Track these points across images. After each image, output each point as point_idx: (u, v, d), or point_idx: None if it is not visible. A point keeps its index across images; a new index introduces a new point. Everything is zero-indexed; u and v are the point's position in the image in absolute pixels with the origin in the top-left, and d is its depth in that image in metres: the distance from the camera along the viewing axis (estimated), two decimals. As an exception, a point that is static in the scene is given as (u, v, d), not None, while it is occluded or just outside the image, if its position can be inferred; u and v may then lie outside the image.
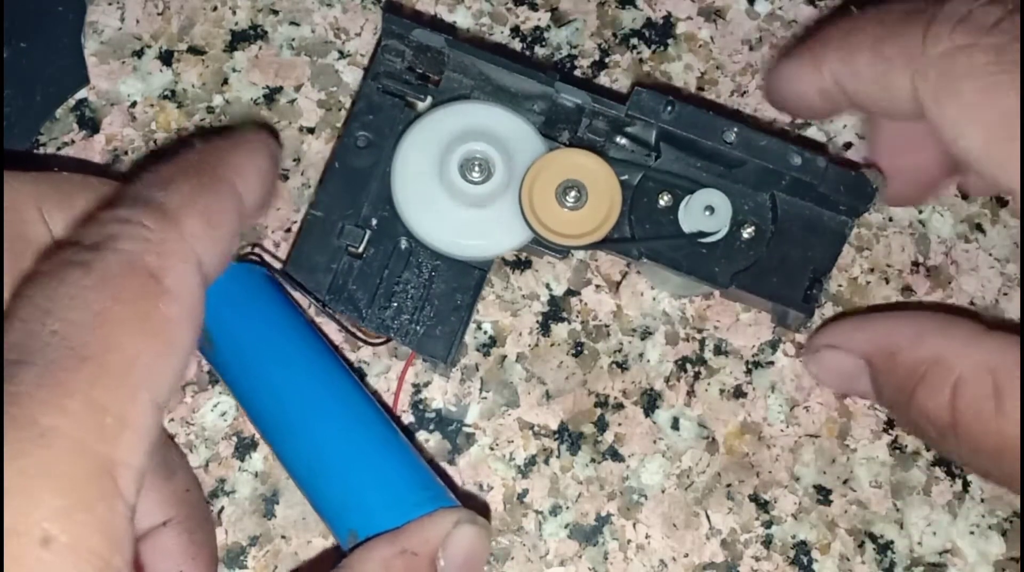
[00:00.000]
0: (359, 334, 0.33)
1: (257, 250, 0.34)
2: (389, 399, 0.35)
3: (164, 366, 0.22)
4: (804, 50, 0.33)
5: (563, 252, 0.32)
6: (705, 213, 0.32)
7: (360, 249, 0.32)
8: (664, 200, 0.32)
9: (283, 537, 0.33)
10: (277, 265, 0.34)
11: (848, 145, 0.37)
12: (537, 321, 0.35)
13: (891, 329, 0.32)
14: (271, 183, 0.27)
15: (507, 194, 0.32)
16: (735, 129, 0.31)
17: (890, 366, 0.31)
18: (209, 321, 0.30)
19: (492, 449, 0.34)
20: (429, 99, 0.33)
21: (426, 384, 0.35)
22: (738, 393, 0.35)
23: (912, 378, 0.30)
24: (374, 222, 0.32)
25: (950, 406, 0.29)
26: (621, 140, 0.33)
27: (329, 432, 0.29)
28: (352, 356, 0.35)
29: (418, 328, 0.32)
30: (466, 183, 0.31)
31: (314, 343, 0.31)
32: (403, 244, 0.32)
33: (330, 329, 0.35)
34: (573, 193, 0.31)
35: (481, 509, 0.34)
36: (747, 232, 0.32)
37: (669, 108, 0.31)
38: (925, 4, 0.29)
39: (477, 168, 0.31)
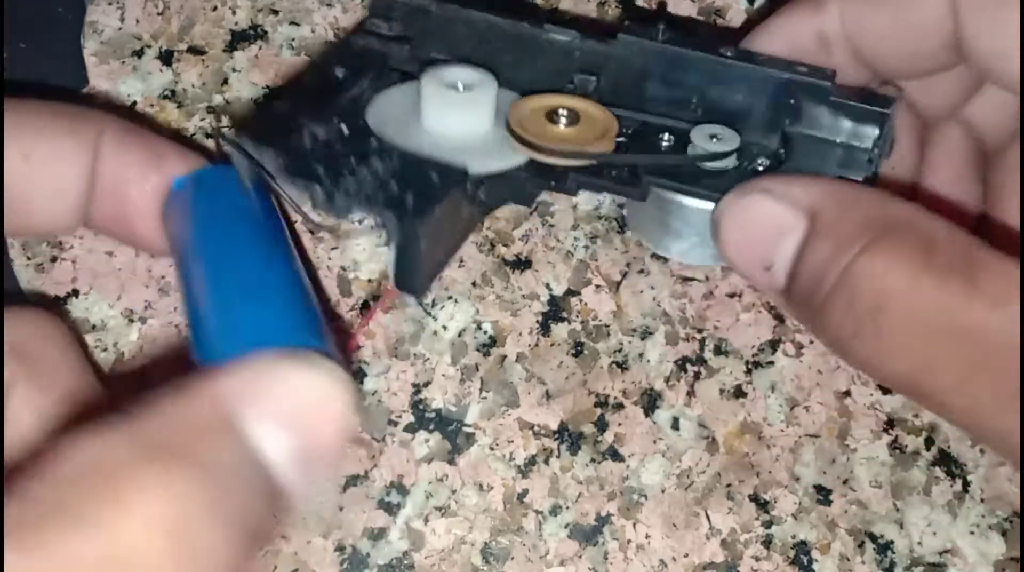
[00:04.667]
0: (313, 217, 0.30)
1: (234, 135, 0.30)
2: (389, 400, 0.35)
3: None
4: None
5: (559, 180, 0.29)
6: (712, 140, 0.29)
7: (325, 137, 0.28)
8: (666, 140, 0.30)
9: (283, 537, 0.33)
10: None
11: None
12: (537, 321, 0.35)
13: (850, 185, 0.27)
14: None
15: (488, 129, 0.29)
16: (731, 48, 0.29)
17: (839, 220, 0.25)
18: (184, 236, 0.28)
19: (492, 449, 0.34)
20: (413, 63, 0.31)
21: (426, 384, 0.35)
22: (738, 393, 0.35)
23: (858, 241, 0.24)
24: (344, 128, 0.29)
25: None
26: (610, 84, 0.31)
27: (218, 269, 0.27)
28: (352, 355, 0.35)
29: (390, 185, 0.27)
30: (450, 90, 0.29)
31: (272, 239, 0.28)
32: (374, 143, 0.29)
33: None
34: (565, 113, 0.29)
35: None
36: (759, 164, 0.29)
37: (663, 28, 0.29)
38: None
39: (461, 85, 0.29)
